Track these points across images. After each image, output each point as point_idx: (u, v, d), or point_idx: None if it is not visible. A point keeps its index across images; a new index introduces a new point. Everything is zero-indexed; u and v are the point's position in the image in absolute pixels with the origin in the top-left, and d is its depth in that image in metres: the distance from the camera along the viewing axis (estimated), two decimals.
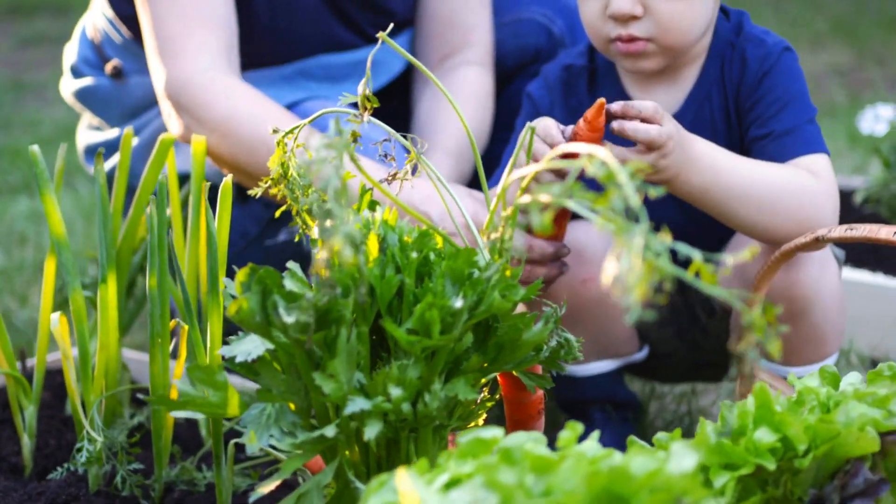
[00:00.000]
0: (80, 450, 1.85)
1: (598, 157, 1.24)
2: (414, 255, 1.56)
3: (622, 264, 1.19)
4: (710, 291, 1.22)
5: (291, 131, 1.70)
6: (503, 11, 2.55)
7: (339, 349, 1.48)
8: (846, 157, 4.26)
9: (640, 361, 2.32)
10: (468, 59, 2.49)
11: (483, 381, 1.64)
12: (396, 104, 2.57)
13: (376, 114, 1.69)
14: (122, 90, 2.47)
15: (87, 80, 2.51)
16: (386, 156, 1.66)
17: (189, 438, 2.09)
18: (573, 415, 2.33)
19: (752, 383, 2.01)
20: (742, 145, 2.11)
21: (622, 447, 1.49)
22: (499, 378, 1.73)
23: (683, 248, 1.21)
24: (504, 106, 2.51)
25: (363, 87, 1.61)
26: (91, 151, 2.57)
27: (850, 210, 3.27)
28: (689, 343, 2.28)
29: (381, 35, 1.61)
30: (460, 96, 2.43)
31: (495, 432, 1.37)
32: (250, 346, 1.53)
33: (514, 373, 1.68)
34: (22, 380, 1.99)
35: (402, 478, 1.28)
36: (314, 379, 1.47)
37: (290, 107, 2.33)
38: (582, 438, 1.37)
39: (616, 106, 1.88)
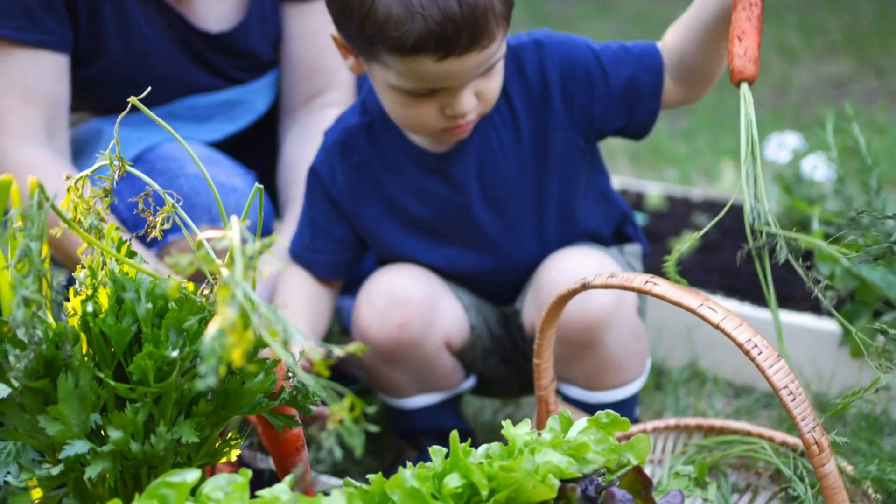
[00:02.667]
0: None
1: None
2: (149, 305, 1.67)
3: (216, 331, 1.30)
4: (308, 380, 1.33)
5: (83, 177, 1.83)
6: None
7: (62, 394, 1.60)
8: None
9: (474, 387, 2.43)
10: (332, 101, 2.60)
11: (228, 422, 1.75)
12: (268, 141, 2.69)
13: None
14: None
15: None
16: (143, 210, 1.78)
17: None
18: (409, 444, 2.43)
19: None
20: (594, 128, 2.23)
21: None
22: (254, 420, 1.84)
23: None
24: None
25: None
26: None
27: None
28: (515, 366, 2.38)
29: (135, 103, 1.71)
30: None
31: (191, 475, 1.48)
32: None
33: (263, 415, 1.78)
34: None
35: None
36: (38, 421, 1.60)
37: (147, 150, 2.47)
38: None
39: None
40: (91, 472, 1.61)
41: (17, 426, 1.66)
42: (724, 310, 1.75)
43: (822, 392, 2.64)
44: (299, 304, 2.28)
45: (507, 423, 1.70)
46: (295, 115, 2.64)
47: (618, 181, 3.84)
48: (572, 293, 2.00)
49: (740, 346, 1.73)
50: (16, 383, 1.62)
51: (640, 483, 1.63)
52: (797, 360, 2.69)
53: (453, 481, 1.58)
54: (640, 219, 3.45)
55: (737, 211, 3.45)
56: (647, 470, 2.25)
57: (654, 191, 3.70)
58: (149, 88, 1.79)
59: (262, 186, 1.70)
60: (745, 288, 2.99)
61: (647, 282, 1.85)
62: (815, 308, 2.81)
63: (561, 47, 2.20)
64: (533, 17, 8.13)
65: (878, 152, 3.91)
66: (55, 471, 1.62)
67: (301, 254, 2.31)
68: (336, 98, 2.61)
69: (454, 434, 1.61)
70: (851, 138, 2.64)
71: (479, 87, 2.08)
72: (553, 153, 2.23)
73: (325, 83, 2.62)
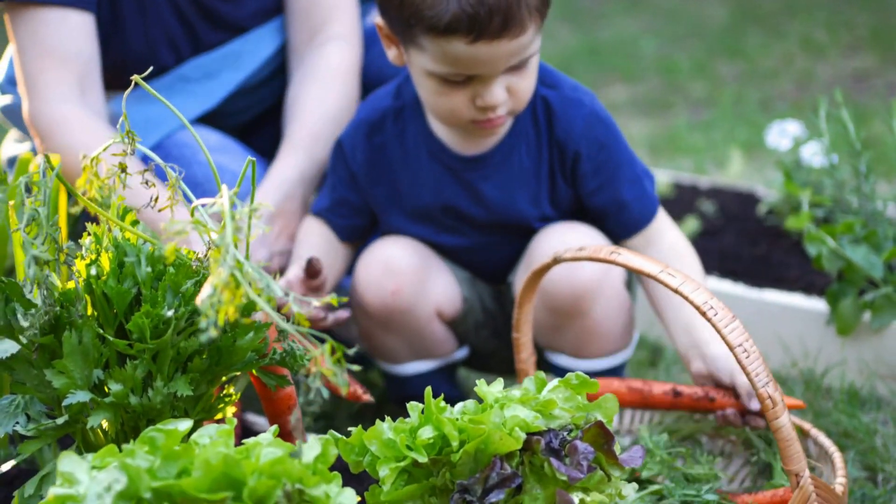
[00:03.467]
0: None
1: None
2: (148, 269, 1.80)
3: (211, 290, 1.42)
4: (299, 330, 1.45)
5: (96, 157, 1.96)
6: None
7: (67, 350, 1.73)
8: None
9: (466, 359, 2.54)
10: (333, 35, 2.67)
11: (224, 379, 1.88)
12: (279, 85, 2.80)
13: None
14: None
15: (7, 98, 2.80)
16: (147, 182, 1.90)
17: None
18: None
19: None
20: (576, 196, 2.37)
21: None
22: (251, 378, 1.96)
23: None
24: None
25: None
26: (11, 162, 2.86)
27: (752, 219, 3.44)
28: (507, 342, 2.49)
29: (135, 78, 1.83)
30: (326, 74, 2.64)
31: (183, 424, 1.60)
32: (8, 346, 1.79)
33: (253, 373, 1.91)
34: None
35: (64, 458, 1.53)
36: (45, 374, 1.73)
37: (165, 138, 2.59)
38: None
39: None
40: (93, 421, 1.74)
41: (25, 380, 1.79)
42: (682, 275, 1.85)
43: (809, 368, 2.73)
44: (314, 241, 2.43)
45: (480, 382, 1.81)
46: (300, 54, 2.70)
47: None
48: (545, 268, 2.11)
49: (697, 307, 1.83)
50: (24, 340, 1.75)
51: (602, 437, 1.74)
52: (787, 337, 2.78)
53: (426, 433, 1.70)
54: None
55: (740, 197, 3.56)
56: (625, 442, 2.35)
57: (663, 178, 3.79)
58: (150, 68, 1.90)
59: (254, 159, 1.81)
60: (742, 270, 3.09)
61: (612, 252, 1.96)
62: (806, 289, 2.91)
63: (609, 143, 2.32)
64: (566, 14, 8.21)
65: (892, 143, 3.98)
66: (60, 420, 1.75)
67: (322, 214, 2.46)
68: (337, 30, 2.68)
69: (428, 390, 1.72)
70: (841, 125, 2.73)
71: (511, 83, 2.19)
72: (560, 199, 2.37)
73: (323, 17, 2.69)
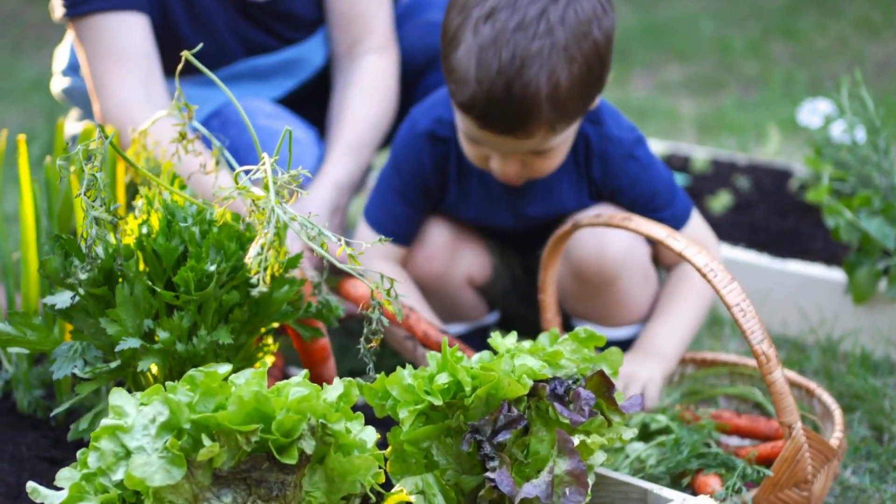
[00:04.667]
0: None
1: None
2: (194, 229, 1.98)
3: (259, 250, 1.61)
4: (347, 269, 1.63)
5: (144, 131, 2.16)
6: (413, 16, 2.95)
7: (118, 300, 1.91)
8: None
9: (497, 323, 2.71)
10: (371, 47, 2.87)
11: (263, 330, 2.06)
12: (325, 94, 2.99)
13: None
14: None
15: (67, 81, 3.00)
16: (195, 152, 2.08)
17: None
18: None
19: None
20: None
21: None
22: (288, 330, 2.14)
23: None
24: (417, 99, 2.90)
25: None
26: (73, 140, 3.06)
27: (785, 195, 3.56)
28: (535, 310, 2.64)
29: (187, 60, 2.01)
30: (367, 85, 2.83)
31: (223, 368, 1.78)
32: (67, 297, 1.98)
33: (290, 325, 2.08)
34: None
35: (115, 393, 1.71)
36: (100, 323, 1.92)
37: (223, 105, 2.78)
38: None
39: None
40: (142, 365, 1.92)
41: (82, 328, 1.97)
42: (686, 240, 2.00)
43: (828, 335, 2.86)
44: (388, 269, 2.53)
45: (494, 334, 1.97)
46: (340, 63, 2.91)
47: (667, 146, 4.07)
48: (566, 233, 2.27)
49: (699, 269, 1.98)
50: (82, 292, 1.94)
51: (604, 386, 1.89)
52: (806, 306, 2.91)
53: (442, 379, 1.86)
54: (682, 180, 3.68)
55: (775, 173, 3.68)
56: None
57: (701, 155, 3.92)
58: (200, 44, 2.08)
59: (291, 129, 1.98)
60: (770, 242, 3.23)
61: (624, 219, 2.12)
62: (828, 260, 3.04)
63: (642, 179, 2.46)
64: None
65: None
66: (113, 365, 1.94)
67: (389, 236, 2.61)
68: (374, 44, 2.87)
69: (445, 340, 1.89)
70: (861, 102, 2.85)
71: (528, 161, 2.32)
72: None
73: (361, 30, 2.88)
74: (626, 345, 2.50)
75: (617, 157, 2.44)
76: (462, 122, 2.29)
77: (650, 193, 2.45)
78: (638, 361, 2.36)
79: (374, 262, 2.50)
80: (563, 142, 2.30)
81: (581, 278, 2.46)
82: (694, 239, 2.46)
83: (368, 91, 2.82)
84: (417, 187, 2.54)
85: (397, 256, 2.57)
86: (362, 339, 1.83)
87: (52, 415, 2.05)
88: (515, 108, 2.16)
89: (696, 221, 2.51)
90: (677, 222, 2.46)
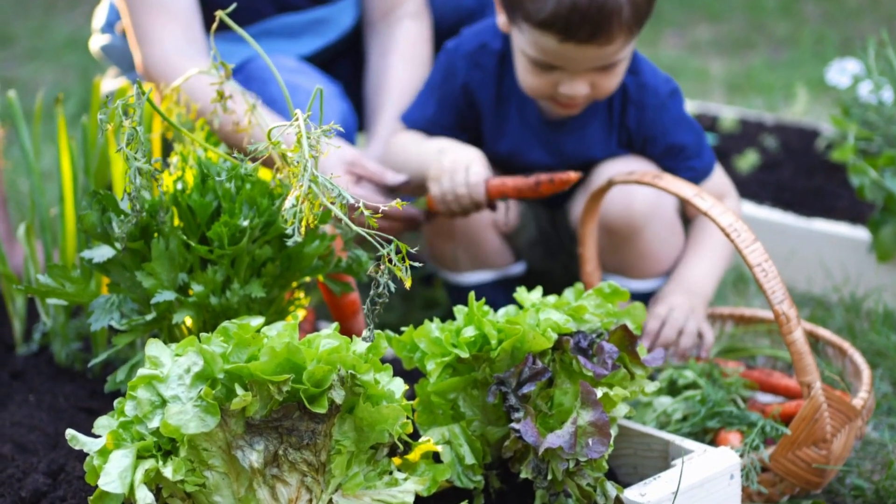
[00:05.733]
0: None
1: None
2: (229, 185, 2.03)
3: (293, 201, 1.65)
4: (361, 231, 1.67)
5: (176, 87, 2.20)
6: None
7: (154, 254, 1.96)
8: None
9: (521, 276, 2.75)
10: (406, 12, 2.91)
11: (294, 284, 2.11)
12: (355, 54, 3.03)
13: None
14: (129, 48, 2.99)
15: (106, 39, 3.04)
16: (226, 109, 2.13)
17: None
18: None
19: None
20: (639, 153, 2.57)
21: None
22: (319, 285, 2.19)
23: None
24: None
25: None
26: (109, 97, 3.10)
27: (812, 154, 3.58)
28: (561, 264, 2.69)
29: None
30: (407, 52, 2.87)
31: (255, 321, 1.83)
32: (104, 251, 2.03)
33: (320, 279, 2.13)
34: (12, 276, 2.55)
35: (151, 344, 1.77)
36: (136, 276, 1.97)
37: (247, 60, 2.82)
38: None
39: None
40: (177, 318, 1.98)
41: (119, 281, 2.03)
42: (712, 199, 2.04)
43: (852, 293, 2.89)
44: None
45: (520, 289, 2.02)
46: (376, 27, 2.94)
47: (695, 106, 4.09)
48: (602, 190, 2.31)
49: (723, 229, 2.01)
50: (119, 246, 1.99)
51: (627, 340, 1.93)
52: (831, 264, 2.94)
53: (469, 332, 1.91)
54: (710, 139, 3.71)
55: (802, 133, 3.70)
56: None
57: (729, 114, 3.94)
58: (234, 5, 2.12)
59: (322, 88, 2.02)
60: (796, 201, 3.26)
61: (655, 177, 2.16)
62: (854, 219, 3.06)
63: (673, 130, 2.52)
64: None
65: None
66: (149, 317, 1.99)
67: (421, 128, 2.65)
68: (410, 9, 2.91)
69: (471, 294, 1.93)
70: (888, 62, 2.86)
71: (596, 80, 2.38)
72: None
73: None
74: (651, 297, 2.54)
75: (653, 106, 2.50)
76: (535, 47, 2.34)
77: (681, 144, 2.51)
78: (678, 293, 2.45)
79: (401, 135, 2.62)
80: (626, 57, 2.39)
81: (608, 229, 2.51)
82: (715, 191, 2.53)
83: (409, 57, 2.87)
84: (445, 98, 2.60)
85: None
86: (367, 302, 1.86)
87: (88, 366, 2.11)
88: (599, 9, 2.25)
89: (719, 174, 2.58)
90: (703, 174, 2.52)
